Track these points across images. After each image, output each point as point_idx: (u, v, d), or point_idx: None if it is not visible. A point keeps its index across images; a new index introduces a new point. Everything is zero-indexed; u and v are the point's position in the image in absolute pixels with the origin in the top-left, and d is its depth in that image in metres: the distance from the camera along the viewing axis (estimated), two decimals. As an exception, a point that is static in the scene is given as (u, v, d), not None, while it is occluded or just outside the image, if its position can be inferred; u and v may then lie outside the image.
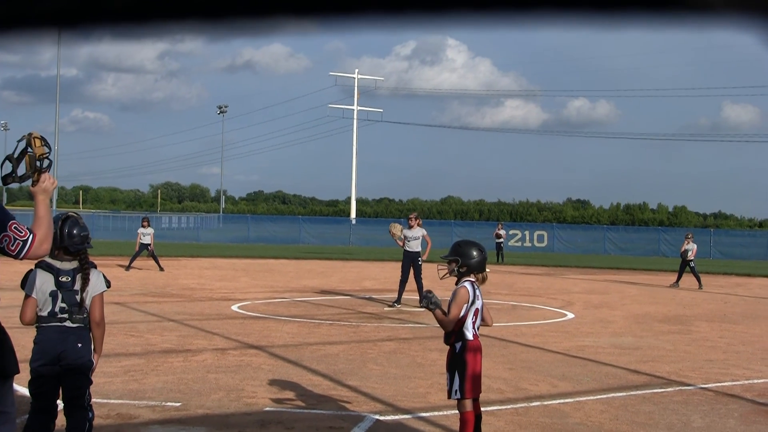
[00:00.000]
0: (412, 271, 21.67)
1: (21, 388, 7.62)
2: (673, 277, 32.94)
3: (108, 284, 7.13)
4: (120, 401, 9.87)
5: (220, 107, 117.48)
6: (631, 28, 1.34)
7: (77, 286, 6.84)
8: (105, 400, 9.66)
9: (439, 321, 7.48)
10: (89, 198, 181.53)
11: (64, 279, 6.82)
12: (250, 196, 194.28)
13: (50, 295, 6.78)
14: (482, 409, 7.92)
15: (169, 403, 9.89)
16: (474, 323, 7.48)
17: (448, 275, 7.73)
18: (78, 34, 1.45)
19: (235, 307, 20.53)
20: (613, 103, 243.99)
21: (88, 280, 6.89)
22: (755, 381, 12.59)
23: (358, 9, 1.34)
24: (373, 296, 24.51)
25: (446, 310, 7.49)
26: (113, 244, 51.47)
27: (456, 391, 7.44)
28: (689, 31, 1.33)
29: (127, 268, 31.85)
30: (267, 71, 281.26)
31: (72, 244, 6.86)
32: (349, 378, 11.75)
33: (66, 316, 6.80)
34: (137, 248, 32.57)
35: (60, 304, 6.79)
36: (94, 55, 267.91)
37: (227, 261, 41.34)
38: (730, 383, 12.31)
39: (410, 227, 21.96)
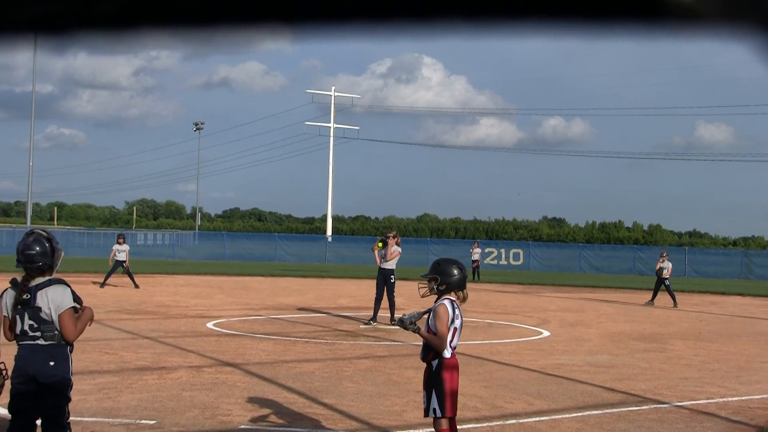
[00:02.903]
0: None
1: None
2: (649, 296, 33.07)
3: (78, 300, 6.99)
4: (94, 419, 9.81)
5: (196, 124, 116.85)
6: (618, 39, 1.35)
7: (38, 303, 6.74)
8: (79, 418, 9.58)
9: (430, 342, 7.45)
10: (64, 214, 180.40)
11: (25, 296, 6.75)
12: (226, 214, 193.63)
13: (17, 313, 6.72)
14: (458, 427, 7.91)
15: (143, 421, 9.84)
16: (451, 342, 7.48)
17: (428, 293, 7.72)
18: (55, 43, 1.44)
19: (210, 325, 20.45)
20: (588, 121, 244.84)
21: (43, 297, 6.74)
22: (730, 399, 12.65)
23: (337, 18, 1.34)
24: (349, 314, 24.46)
25: (428, 328, 7.49)
26: (88, 261, 51.20)
27: (434, 409, 7.43)
28: (677, 41, 1.34)
29: (102, 285, 31.68)
30: (243, 88, 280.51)
31: (26, 261, 6.78)
32: (325, 396, 11.73)
33: (38, 334, 6.72)
34: (111, 264, 32.40)
35: (28, 321, 6.72)
36: (69, 71, 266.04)
37: (203, 278, 41.19)
38: (704, 401, 12.36)
39: (390, 245, 21.86)
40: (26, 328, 6.71)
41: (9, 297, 6.78)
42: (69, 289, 6.95)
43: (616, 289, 43.00)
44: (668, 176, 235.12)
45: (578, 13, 1.28)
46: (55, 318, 6.76)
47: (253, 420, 10.12)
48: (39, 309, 6.74)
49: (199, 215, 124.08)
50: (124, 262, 32.17)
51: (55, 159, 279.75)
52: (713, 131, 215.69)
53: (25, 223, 68.81)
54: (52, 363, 6.76)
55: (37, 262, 6.85)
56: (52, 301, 6.77)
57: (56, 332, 6.78)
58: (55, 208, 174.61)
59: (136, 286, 31.88)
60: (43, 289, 6.78)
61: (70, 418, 7.06)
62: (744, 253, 72.19)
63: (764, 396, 13.15)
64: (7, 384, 6.96)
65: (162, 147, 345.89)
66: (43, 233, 7.06)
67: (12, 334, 6.78)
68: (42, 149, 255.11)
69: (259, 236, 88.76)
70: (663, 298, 31.91)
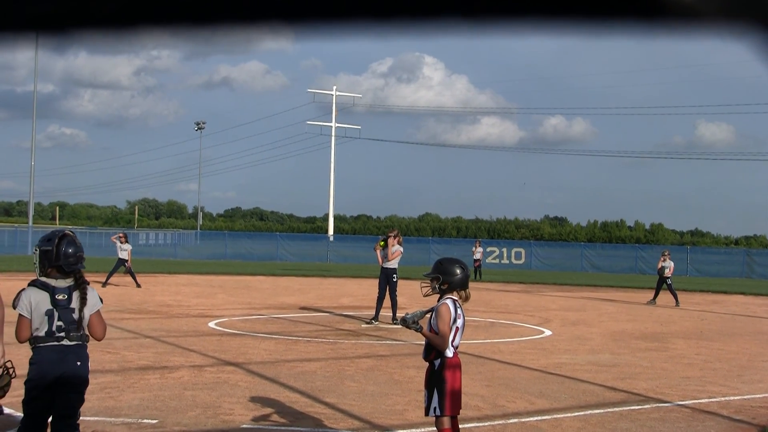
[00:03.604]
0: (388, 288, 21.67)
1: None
2: (650, 295, 33.06)
3: (101, 300, 7.09)
4: (96, 418, 9.81)
5: (197, 123, 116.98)
6: (619, 37, 1.35)
7: (73, 304, 6.78)
8: (81, 417, 9.57)
9: (432, 341, 7.46)
10: (66, 214, 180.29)
11: (60, 297, 6.74)
12: (227, 213, 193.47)
13: (46, 314, 6.68)
14: (460, 426, 7.91)
15: (145, 420, 9.85)
16: (453, 341, 7.48)
17: (430, 293, 7.72)
18: (56, 42, 1.44)
19: (212, 324, 20.45)
20: (589, 121, 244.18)
21: (86, 298, 6.83)
22: (732, 398, 12.64)
23: (338, 17, 1.34)
24: (351, 313, 24.46)
25: (430, 327, 7.50)
26: (90, 260, 50.94)
27: (435, 408, 7.43)
28: (678, 40, 1.35)
29: (104, 284, 31.68)
30: (244, 88, 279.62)
31: (67, 264, 6.79)
32: (327, 395, 11.73)
33: (63, 334, 6.73)
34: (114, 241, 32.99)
35: (57, 322, 6.71)
36: (70, 71, 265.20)
37: (204, 278, 41.18)
38: (706, 400, 12.35)
39: (392, 244, 21.85)
40: (54, 329, 6.70)
41: (36, 298, 6.73)
42: (95, 289, 7.03)
43: (617, 288, 42.97)
44: (669, 175, 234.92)
45: (579, 11, 1.29)
46: (86, 318, 6.81)
47: (255, 419, 10.12)
48: (73, 310, 6.77)
49: (200, 215, 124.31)
50: (126, 261, 32.23)
51: (56, 159, 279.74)
52: (714, 130, 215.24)
53: (27, 223, 68.80)
54: (79, 363, 6.81)
55: (83, 263, 6.93)
56: (88, 302, 6.84)
57: (82, 332, 6.82)
58: (57, 208, 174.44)
59: (138, 286, 31.91)
60: (78, 290, 6.82)
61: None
62: (746, 252, 72.06)
63: (766, 395, 13.14)
64: (12, 382, 6.96)
65: (163, 146, 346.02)
66: (72, 233, 7.08)
67: (30, 335, 6.73)
68: (43, 149, 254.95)
69: (260, 236, 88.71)
70: (665, 297, 31.91)
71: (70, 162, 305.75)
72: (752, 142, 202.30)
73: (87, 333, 6.92)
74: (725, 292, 41.06)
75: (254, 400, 11.25)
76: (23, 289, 6.79)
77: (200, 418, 10.10)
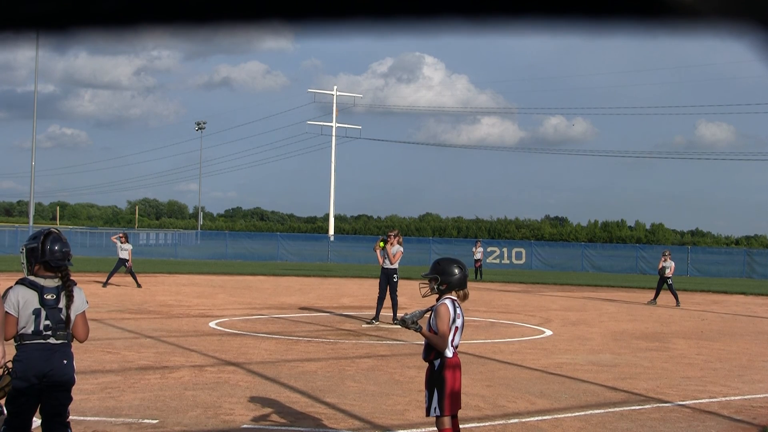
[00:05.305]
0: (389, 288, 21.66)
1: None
2: (651, 295, 33.06)
3: (87, 302, 7.11)
4: (96, 418, 9.82)
5: (198, 123, 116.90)
6: (620, 36, 1.35)
7: (61, 304, 6.79)
8: (81, 417, 9.59)
9: (431, 341, 7.46)
10: (66, 214, 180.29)
11: (48, 297, 6.76)
12: (228, 213, 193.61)
13: (33, 313, 6.70)
14: (460, 426, 7.91)
15: (146, 421, 9.84)
16: (453, 341, 7.48)
17: (429, 293, 7.72)
18: (56, 41, 1.44)
19: (212, 324, 20.45)
20: (590, 120, 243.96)
21: (72, 297, 6.84)
22: (732, 398, 12.64)
23: (338, 16, 1.34)
24: (351, 313, 24.45)
25: (429, 327, 7.50)
26: (90, 260, 51.19)
27: (435, 408, 7.43)
28: (678, 39, 1.35)
29: (105, 284, 31.71)
30: (244, 88, 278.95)
31: (53, 260, 6.81)
32: (327, 395, 11.73)
33: (50, 333, 6.75)
34: (115, 241, 33.04)
35: (44, 321, 6.72)
36: (70, 71, 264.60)
37: (205, 278, 41.18)
38: (707, 400, 12.35)
39: (392, 244, 21.85)
40: (41, 328, 6.72)
41: (24, 297, 6.74)
42: (82, 290, 7.05)
43: (618, 288, 42.97)
44: (670, 175, 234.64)
45: (579, 10, 1.29)
46: (72, 319, 6.82)
47: (256, 419, 10.12)
48: (61, 310, 6.78)
49: (201, 215, 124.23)
50: (127, 261, 32.22)
51: (57, 159, 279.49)
52: (714, 130, 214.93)
53: (28, 223, 68.77)
54: (65, 362, 6.82)
55: (70, 260, 6.95)
56: (75, 302, 6.85)
57: (68, 332, 6.84)
58: (58, 208, 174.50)
59: (139, 286, 31.90)
60: (65, 290, 6.84)
61: (70, 417, 7.08)
62: (746, 252, 71.99)
63: (767, 395, 13.14)
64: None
65: (164, 146, 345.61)
66: (58, 231, 7.11)
67: (16, 332, 6.75)
68: (44, 149, 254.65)
69: (261, 236, 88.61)
70: (665, 297, 31.91)
71: (71, 162, 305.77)
72: (752, 141, 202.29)
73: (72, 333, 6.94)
74: (726, 292, 41.06)
75: (255, 400, 11.25)
76: (11, 287, 6.82)
77: (201, 418, 10.10)
